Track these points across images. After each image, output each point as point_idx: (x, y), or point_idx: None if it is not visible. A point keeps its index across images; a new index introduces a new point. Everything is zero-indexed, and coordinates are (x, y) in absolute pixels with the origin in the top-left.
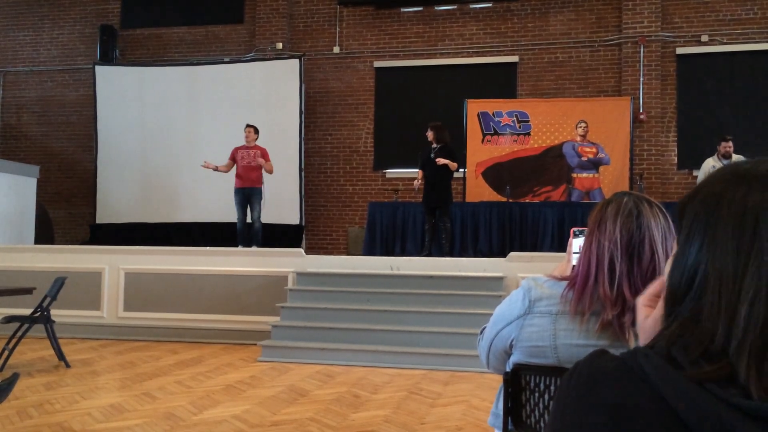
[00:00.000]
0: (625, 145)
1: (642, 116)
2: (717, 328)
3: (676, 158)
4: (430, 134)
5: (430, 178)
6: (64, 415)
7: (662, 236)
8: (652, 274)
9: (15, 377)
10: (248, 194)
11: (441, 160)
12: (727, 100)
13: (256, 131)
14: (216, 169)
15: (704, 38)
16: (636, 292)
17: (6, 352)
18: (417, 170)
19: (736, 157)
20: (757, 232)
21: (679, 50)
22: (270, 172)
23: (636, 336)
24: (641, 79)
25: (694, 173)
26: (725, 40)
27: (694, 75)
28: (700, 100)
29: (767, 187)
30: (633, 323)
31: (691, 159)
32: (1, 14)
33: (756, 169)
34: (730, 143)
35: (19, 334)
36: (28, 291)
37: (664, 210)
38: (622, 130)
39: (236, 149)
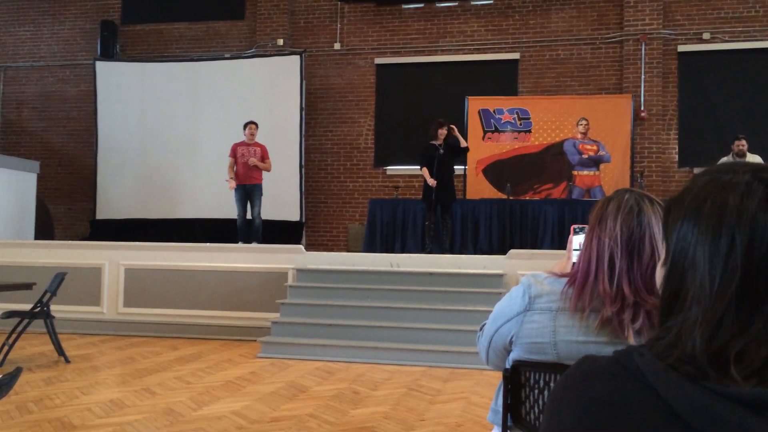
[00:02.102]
0: (626, 142)
1: (643, 114)
2: (693, 342)
3: (677, 156)
4: (443, 131)
5: (439, 175)
6: (64, 410)
7: (663, 234)
8: (652, 271)
9: (18, 371)
10: (248, 190)
11: (455, 131)
12: (728, 98)
13: (257, 128)
14: (232, 178)
15: (706, 36)
16: (636, 289)
17: (6, 348)
18: (419, 167)
19: (750, 157)
20: (733, 250)
21: (681, 48)
22: (267, 170)
23: (635, 333)
24: (642, 76)
25: (696, 171)
26: (727, 38)
27: (696, 73)
28: (701, 98)
29: (746, 196)
30: (632, 320)
31: (692, 157)
32: (1, 10)
33: (737, 178)
34: (744, 141)
35: (19, 329)
36: (28, 286)
37: None
38: (623, 128)
39: (236, 146)
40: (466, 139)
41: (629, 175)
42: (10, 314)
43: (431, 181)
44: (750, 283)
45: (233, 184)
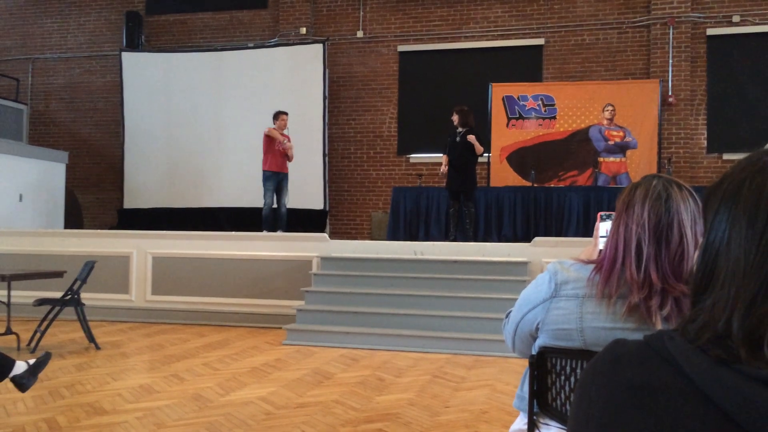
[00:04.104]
0: (653, 128)
1: (671, 99)
2: (726, 320)
3: (705, 142)
4: (455, 118)
5: (455, 162)
6: (95, 395)
7: (692, 220)
8: (680, 258)
9: (48, 355)
10: (281, 179)
11: (471, 137)
12: (758, 83)
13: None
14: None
15: (736, 19)
16: (663, 275)
17: (38, 334)
18: (441, 155)
19: None
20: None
21: (710, 31)
22: (291, 159)
23: (663, 319)
24: (670, 61)
25: (725, 157)
26: (757, 21)
27: (725, 56)
28: (731, 83)
29: None
30: (660, 307)
31: (721, 143)
32: (29, 2)
33: None
34: None
35: (51, 316)
36: (59, 274)
37: (694, 194)
38: (650, 114)
39: (274, 132)
40: (489, 130)
41: (656, 162)
42: (42, 302)
43: (441, 168)
44: None
45: (290, 145)
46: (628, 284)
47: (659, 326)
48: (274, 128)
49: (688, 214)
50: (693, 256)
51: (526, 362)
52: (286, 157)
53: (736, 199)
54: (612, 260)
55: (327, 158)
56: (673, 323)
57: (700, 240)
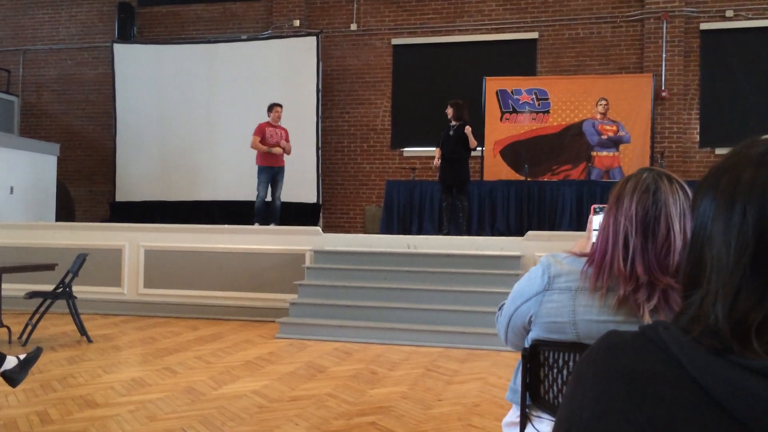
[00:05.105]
0: (646, 123)
1: (664, 93)
2: (715, 315)
3: (698, 136)
4: (449, 111)
5: (448, 156)
6: (87, 388)
7: (680, 213)
8: (666, 251)
9: (39, 350)
10: (275, 172)
11: (468, 129)
12: (751, 77)
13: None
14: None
15: (729, 13)
16: (649, 268)
17: (29, 327)
18: (435, 149)
19: None
20: (744, 222)
21: (703, 26)
22: (288, 153)
23: (650, 312)
24: (664, 55)
25: (717, 151)
26: (750, 16)
27: (719, 51)
28: (724, 77)
29: (759, 168)
30: (647, 299)
31: (713, 137)
32: None
33: (754, 150)
34: None
35: (42, 309)
36: (51, 267)
37: (685, 187)
38: (643, 108)
39: (264, 126)
40: (483, 124)
41: (649, 156)
42: (33, 294)
43: (435, 161)
44: (763, 255)
45: (279, 149)
46: (615, 277)
47: (647, 318)
48: (265, 123)
49: (677, 207)
50: (680, 248)
51: (518, 355)
52: (284, 150)
53: (716, 190)
54: (602, 253)
55: (320, 151)
56: (660, 315)
57: (688, 233)
